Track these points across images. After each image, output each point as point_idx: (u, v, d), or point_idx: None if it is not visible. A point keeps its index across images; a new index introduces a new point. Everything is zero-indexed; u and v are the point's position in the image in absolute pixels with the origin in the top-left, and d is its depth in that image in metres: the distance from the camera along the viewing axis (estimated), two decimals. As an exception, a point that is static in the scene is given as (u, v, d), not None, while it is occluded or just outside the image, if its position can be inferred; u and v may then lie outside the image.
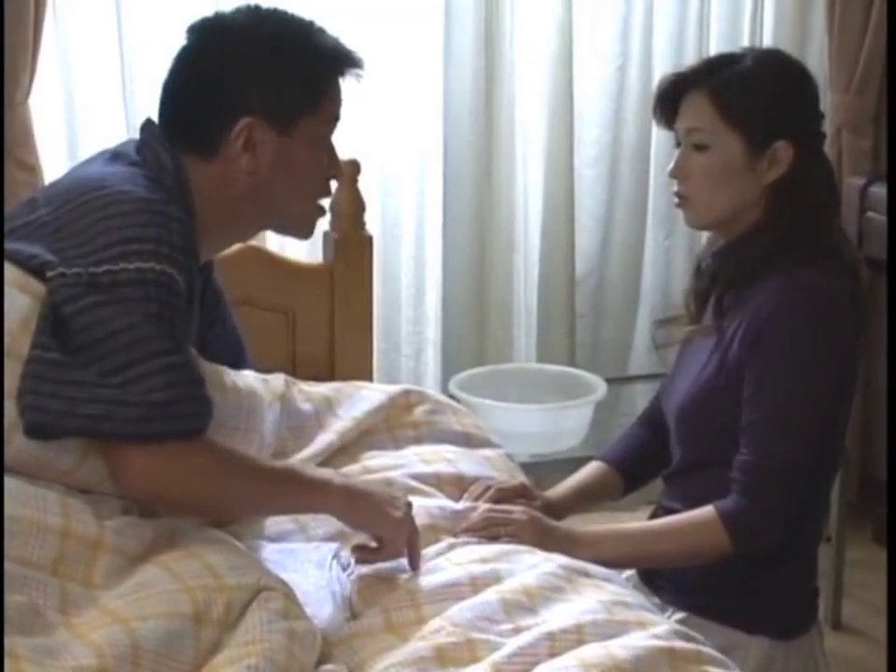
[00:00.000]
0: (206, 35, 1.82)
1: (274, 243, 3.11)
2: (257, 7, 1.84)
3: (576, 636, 1.53)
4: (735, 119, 1.97)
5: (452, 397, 2.87)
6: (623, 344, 3.62)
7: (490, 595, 1.62)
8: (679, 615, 2.04)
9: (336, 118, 1.86)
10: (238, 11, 1.83)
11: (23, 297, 1.63)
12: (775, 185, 1.98)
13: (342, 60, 1.83)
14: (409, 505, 1.77)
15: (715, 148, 1.98)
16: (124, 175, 1.75)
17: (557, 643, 1.52)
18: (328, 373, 2.59)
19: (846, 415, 2.01)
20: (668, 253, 3.60)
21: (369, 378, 2.64)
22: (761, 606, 2.02)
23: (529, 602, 1.61)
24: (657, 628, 1.57)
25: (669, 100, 2.05)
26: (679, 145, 2.05)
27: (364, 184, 3.18)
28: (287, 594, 1.54)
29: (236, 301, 2.49)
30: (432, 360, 3.40)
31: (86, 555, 1.52)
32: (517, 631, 1.56)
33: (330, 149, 1.88)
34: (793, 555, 2.02)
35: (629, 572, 2.16)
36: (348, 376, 2.45)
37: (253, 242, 2.93)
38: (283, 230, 1.97)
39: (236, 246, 2.77)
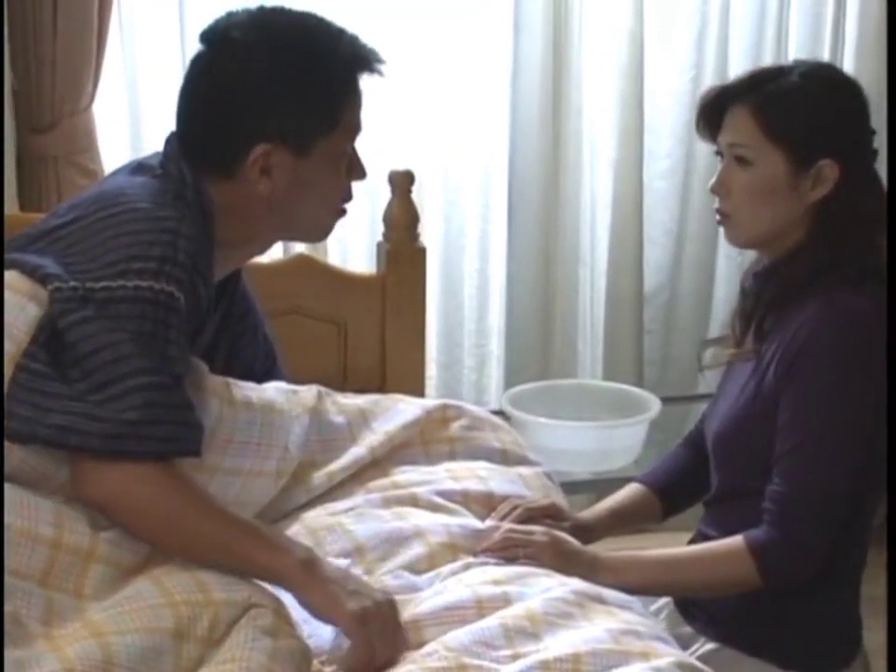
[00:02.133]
0: (216, 53, 1.80)
1: (336, 255, 3.12)
2: (265, 15, 1.81)
3: (572, 665, 1.48)
4: (777, 135, 1.90)
5: (502, 412, 2.84)
6: (694, 362, 3.53)
7: (492, 619, 1.58)
8: (711, 645, 1.99)
9: (357, 128, 1.84)
10: (249, 20, 1.79)
11: (32, 306, 1.65)
12: (819, 204, 1.92)
13: (357, 64, 1.80)
14: (382, 606, 1.58)
15: (757, 165, 1.92)
16: (143, 189, 1.76)
17: (551, 672, 1.48)
18: (379, 384, 2.58)
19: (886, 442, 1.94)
20: (741, 269, 3.50)
21: (420, 390, 2.62)
22: (796, 638, 1.95)
23: (532, 628, 1.57)
24: (661, 660, 1.51)
25: (713, 113, 1.99)
26: (722, 159, 2.00)
27: (427, 194, 3.19)
28: (278, 610, 1.52)
29: (286, 311, 2.50)
30: (495, 374, 3.37)
31: (77, 566, 1.51)
32: (515, 657, 1.52)
33: (352, 156, 1.86)
34: (832, 586, 1.95)
35: (664, 599, 2.11)
36: (399, 388, 2.43)
37: (306, 251, 2.96)
38: (299, 238, 1.96)
39: (287, 256, 2.81)
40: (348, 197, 1.88)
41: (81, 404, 1.55)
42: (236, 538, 1.60)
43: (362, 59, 1.80)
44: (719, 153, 2.00)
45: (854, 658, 2.03)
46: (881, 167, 3.29)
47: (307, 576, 1.57)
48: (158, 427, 1.57)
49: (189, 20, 2.93)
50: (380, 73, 1.83)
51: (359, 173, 1.88)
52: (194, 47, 2.87)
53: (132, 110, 2.98)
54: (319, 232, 1.95)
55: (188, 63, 2.86)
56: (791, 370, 1.85)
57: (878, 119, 3.35)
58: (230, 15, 1.83)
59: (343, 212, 1.90)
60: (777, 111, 1.91)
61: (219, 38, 1.80)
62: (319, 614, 1.58)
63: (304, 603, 1.58)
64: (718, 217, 2.00)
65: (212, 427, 1.73)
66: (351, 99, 1.81)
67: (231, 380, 1.84)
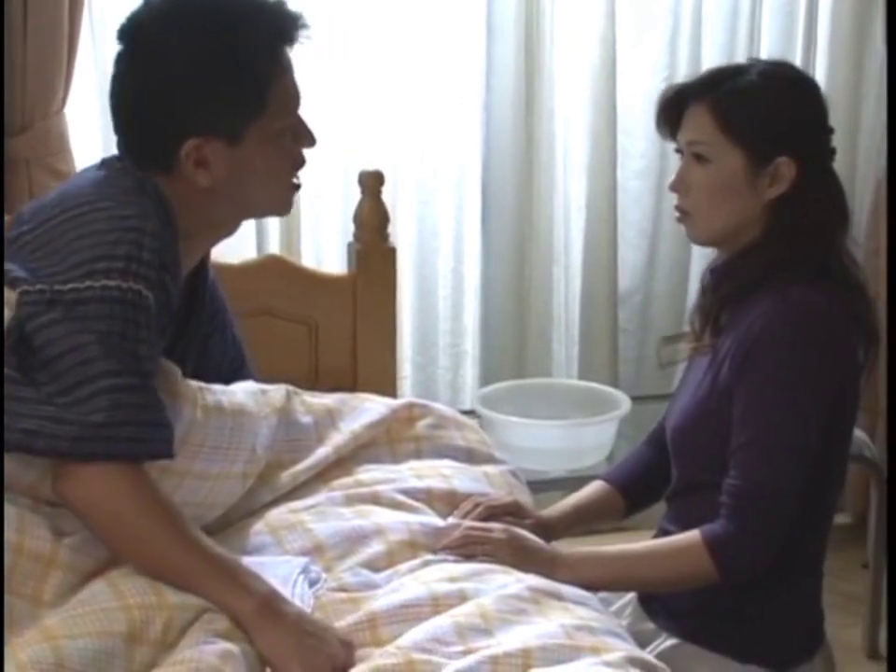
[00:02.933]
0: (132, 50, 1.79)
1: (310, 255, 3.13)
2: (181, 3, 1.77)
3: (522, 660, 1.49)
4: (735, 132, 1.92)
5: (473, 411, 2.85)
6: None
7: (445, 617, 1.59)
8: (672, 641, 2.00)
9: (292, 104, 1.82)
10: (161, 10, 1.76)
11: (5, 310, 1.65)
12: (776, 202, 1.93)
13: (279, 40, 1.77)
14: (334, 659, 1.55)
15: (716, 163, 1.93)
16: (105, 187, 1.76)
17: (500, 667, 1.48)
18: (350, 384, 2.59)
19: (845, 437, 1.95)
20: (716, 268, 3.52)
21: (392, 390, 2.63)
22: (755, 633, 1.96)
23: (485, 624, 1.58)
24: (611, 655, 1.53)
25: (672, 111, 2.01)
26: (682, 157, 2.01)
27: (401, 194, 3.21)
28: None
29: (258, 312, 2.51)
30: (470, 373, 3.38)
31: (37, 572, 1.52)
32: (467, 653, 1.53)
33: (296, 126, 1.83)
34: (791, 580, 1.96)
35: (629, 596, 2.12)
36: (371, 387, 2.44)
37: (278, 252, 2.97)
38: (260, 216, 1.96)
39: (256, 256, 2.82)
40: (299, 165, 1.87)
41: (50, 408, 1.55)
42: (198, 570, 1.59)
43: (283, 32, 1.78)
44: (679, 151, 2.02)
45: (816, 652, 2.03)
46: (877, 164, 3.36)
47: (262, 621, 1.56)
48: (125, 428, 1.57)
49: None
50: (303, 41, 1.80)
51: (307, 140, 1.86)
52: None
53: (104, 112, 2.94)
54: (277, 208, 1.95)
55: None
56: (744, 363, 1.86)
57: (849, 117, 3.43)
58: (145, 5, 1.80)
59: (297, 185, 1.89)
60: (734, 109, 1.92)
61: (134, 33, 1.79)
62: (268, 662, 1.56)
63: (257, 643, 1.56)
64: (677, 214, 2.01)
65: (184, 431, 1.74)
66: (277, 77, 1.78)
67: (203, 385, 1.84)
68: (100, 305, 1.61)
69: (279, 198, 1.90)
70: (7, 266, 1.68)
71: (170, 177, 1.79)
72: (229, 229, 1.94)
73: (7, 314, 1.63)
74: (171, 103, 1.76)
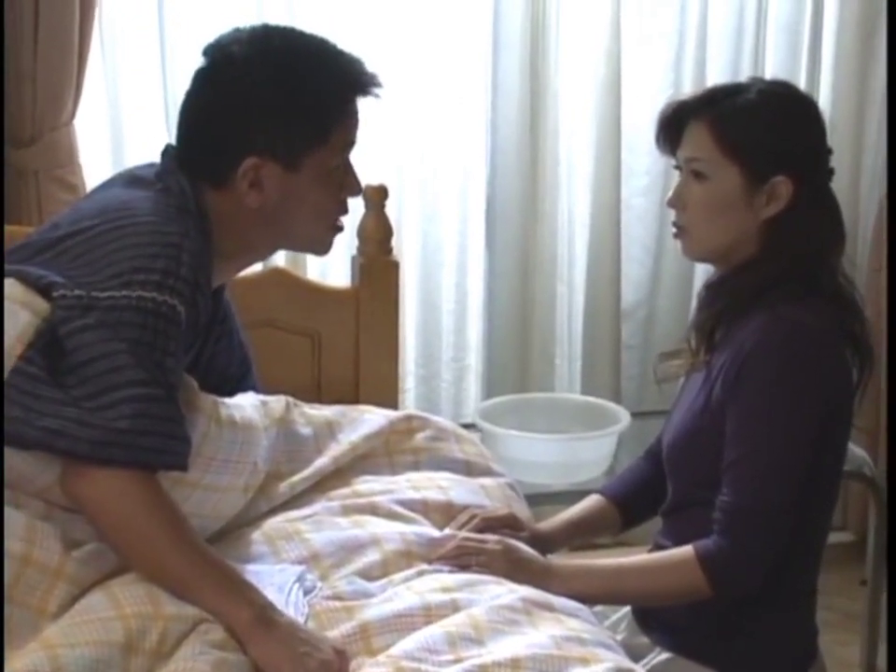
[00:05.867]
0: (213, 66, 1.84)
1: (315, 268, 3.15)
2: (266, 34, 1.85)
3: (511, 669, 1.51)
4: (733, 151, 1.93)
5: (473, 424, 2.87)
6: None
7: (436, 627, 1.61)
8: (666, 655, 2.01)
9: (350, 144, 1.88)
10: (250, 37, 1.84)
11: (24, 313, 1.68)
12: (772, 220, 1.94)
13: (353, 87, 1.84)
14: (328, 665, 1.57)
15: (713, 180, 1.95)
16: (148, 203, 1.80)
17: (489, 676, 1.50)
18: (353, 397, 2.61)
19: (837, 454, 1.96)
20: (719, 285, 3.53)
21: (394, 402, 2.65)
22: (749, 648, 1.97)
23: (476, 634, 1.60)
24: (600, 665, 1.54)
25: (671, 127, 2.02)
26: (681, 173, 2.02)
27: (407, 209, 3.23)
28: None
29: (261, 324, 2.53)
30: (473, 388, 3.39)
31: (44, 583, 1.55)
32: (457, 662, 1.54)
33: (346, 171, 1.90)
34: (784, 595, 1.97)
35: (624, 610, 2.13)
36: (373, 400, 2.46)
37: (283, 265, 2.99)
38: (297, 250, 2.01)
39: (261, 269, 2.84)
40: (343, 211, 1.93)
41: (74, 410, 1.58)
42: (198, 578, 1.62)
43: (358, 82, 1.85)
44: (678, 167, 2.04)
45: (809, 668, 2.04)
46: (881, 183, 3.37)
47: (257, 632, 1.59)
48: (146, 437, 1.60)
49: (170, 36, 2.97)
50: (376, 96, 1.87)
51: (354, 188, 1.92)
52: (175, 62, 2.99)
53: (113, 125, 3.01)
54: (316, 246, 1.99)
55: (168, 77, 2.98)
56: (736, 381, 1.88)
57: (853, 136, 3.45)
58: (235, 31, 1.88)
59: (340, 227, 1.95)
60: (733, 127, 1.94)
61: (218, 53, 1.85)
62: (261, 664, 1.58)
63: (250, 652, 1.58)
64: (674, 230, 2.03)
65: (198, 444, 1.76)
66: (344, 118, 1.85)
67: (218, 398, 1.88)
68: (134, 314, 1.64)
69: (320, 235, 1.94)
70: (43, 272, 1.72)
71: (219, 193, 1.83)
72: (262, 254, 2.01)
73: (31, 317, 1.66)
74: (238, 118, 1.81)
